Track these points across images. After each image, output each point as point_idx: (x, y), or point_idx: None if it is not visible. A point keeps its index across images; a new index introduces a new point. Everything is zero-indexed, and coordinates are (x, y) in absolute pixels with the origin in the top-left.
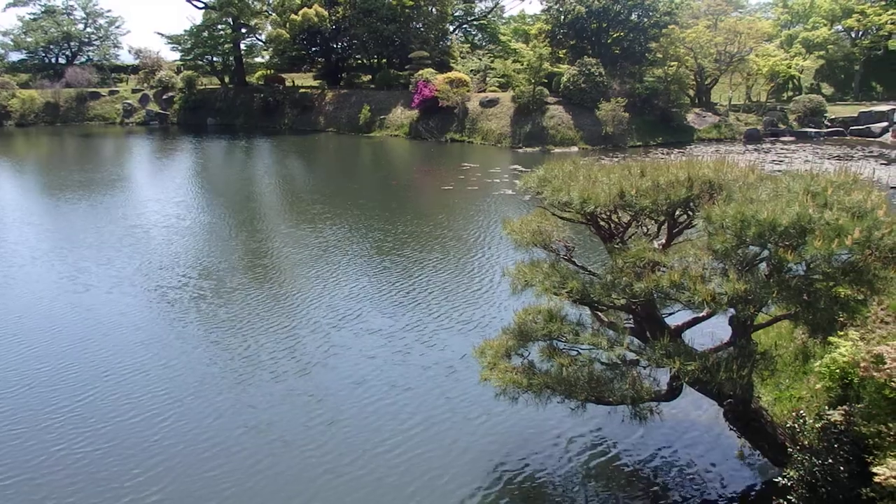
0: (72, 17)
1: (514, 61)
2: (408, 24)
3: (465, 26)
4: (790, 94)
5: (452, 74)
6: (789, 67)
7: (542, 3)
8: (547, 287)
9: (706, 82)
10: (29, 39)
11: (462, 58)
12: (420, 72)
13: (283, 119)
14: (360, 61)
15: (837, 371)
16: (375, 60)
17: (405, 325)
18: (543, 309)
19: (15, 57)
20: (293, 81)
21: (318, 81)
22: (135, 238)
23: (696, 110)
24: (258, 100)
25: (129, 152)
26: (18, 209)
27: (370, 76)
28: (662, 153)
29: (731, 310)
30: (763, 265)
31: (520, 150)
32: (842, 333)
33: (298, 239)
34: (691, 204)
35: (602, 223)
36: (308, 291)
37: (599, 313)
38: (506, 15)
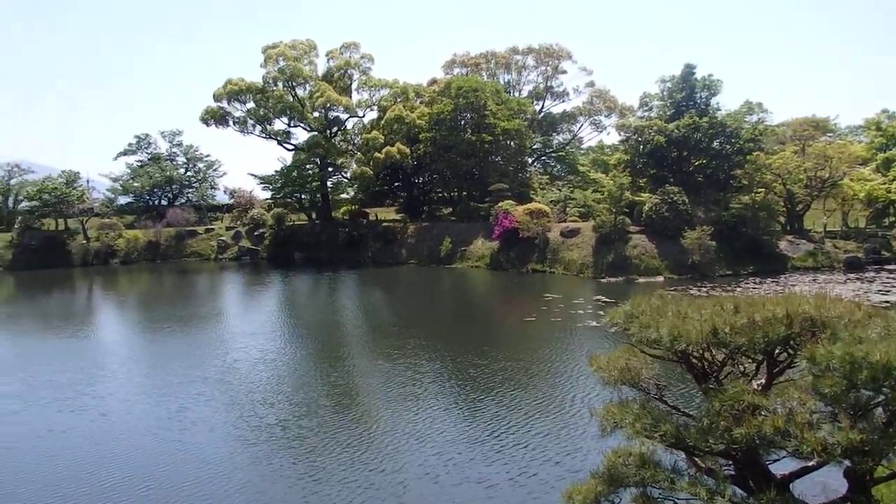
0: (174, 162)
1: (594, 191)
2: (487, 158)
3: (543, 158)
4: (892, 219)
5: (532, 205)
6: (889, 192)
7: (619, 134)
8: (638, 430)
9: (797, 208)
10: (136, 184)
11: (541, 189)
12: (500, 203)
13: (367, 252)
14: (440, 194)
15: None
16: (455, 193)
17: (515, 474)
18: (635, 452)
19: (123, 200)
20: (376, 215)
21: (401, 215)
22: (234, 373)
23: (789, 237)
24: (343, 234)
25: (223, 287)
26: (123, 345)
27: (451, 208)
28: (754, 283)
29: (846, 461)
30: (879, 410)
31: (603, 280)
32: None
33: (393, 375)
34: (791, 342)
35: (694, 361)
36: (411, 433)
37: (696, 458)
38: (584, 146)
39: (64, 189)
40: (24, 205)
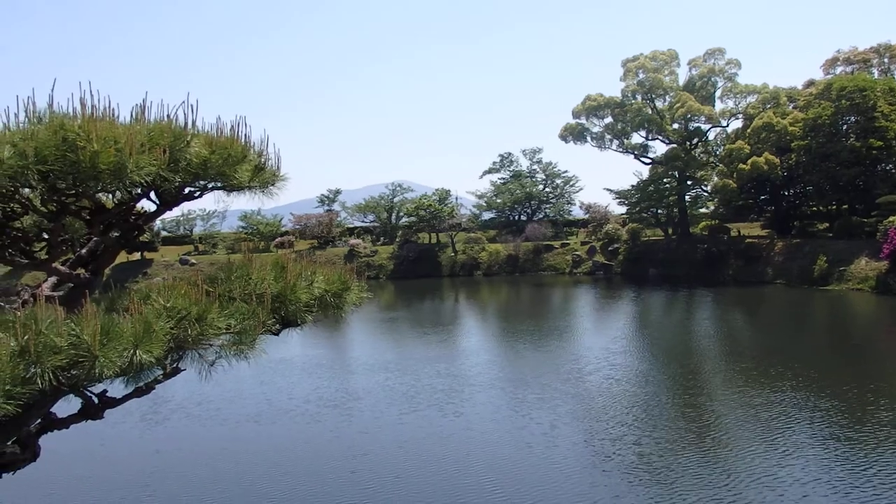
0: (534, 179)
1: None
2: (874, 166)
3: None
4: None
5: None
6: None
7: None
8: None
9: None
10: (498, 200)
11: None
12: (890, 218)
13: (727, 270)
14: (814, 208)
15: None
16: (833, 207)
17: None
18: None
19: (486, 216)
20: (738, 231)
21: (766, 231)
22: (606, 393)
23: None
24: (701, 250)
25: (580, 302)
26: (492, 355)
27: (826, 223)
28: None
29: None
30: None
31: None
32: None
33: (769, 411)
34: None
35: None
36: (799, 481)
37: None
38: None
39: (436, 206)
40: (404, 220)
